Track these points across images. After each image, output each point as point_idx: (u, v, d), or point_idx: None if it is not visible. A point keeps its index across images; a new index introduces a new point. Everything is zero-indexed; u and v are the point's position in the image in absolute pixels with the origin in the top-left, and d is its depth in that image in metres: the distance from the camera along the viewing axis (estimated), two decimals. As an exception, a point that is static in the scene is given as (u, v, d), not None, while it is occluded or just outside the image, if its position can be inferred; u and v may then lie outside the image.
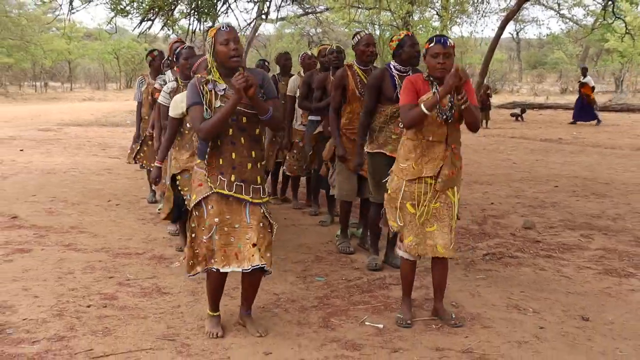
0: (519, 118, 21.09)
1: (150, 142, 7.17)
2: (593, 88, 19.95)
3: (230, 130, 3.74)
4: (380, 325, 4.17)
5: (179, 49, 5.74)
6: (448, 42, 4.05)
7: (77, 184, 8.77)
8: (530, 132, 17.41)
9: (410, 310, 4.30)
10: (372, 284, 5.04)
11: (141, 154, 7.51)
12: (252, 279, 3.96)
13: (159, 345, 3.81)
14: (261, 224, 3.82)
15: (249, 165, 3.81)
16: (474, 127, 4.13)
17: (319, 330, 4.10)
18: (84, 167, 10.26)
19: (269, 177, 8.16)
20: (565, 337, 4.03)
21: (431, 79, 4.11)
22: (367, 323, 4.22)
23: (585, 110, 19.67)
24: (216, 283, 3.96)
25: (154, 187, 7.56)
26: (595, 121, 19.35)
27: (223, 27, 3.73)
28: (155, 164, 5.35)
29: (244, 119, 3.76)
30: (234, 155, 3.76)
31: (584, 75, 20.25)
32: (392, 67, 5.22)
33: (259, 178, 3.87)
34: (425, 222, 4.12)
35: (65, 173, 9.64)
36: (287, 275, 5.22)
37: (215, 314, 4.03)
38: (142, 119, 7.54)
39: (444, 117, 4.04)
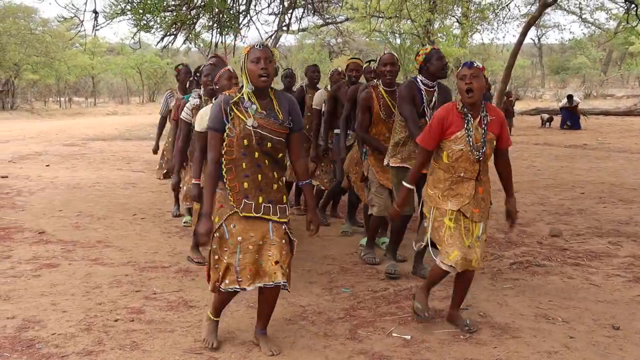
0: (546, 124, 21.00)
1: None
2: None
3: (256, 153, 3.70)
4: (408, 337, 4.15)
5: (201, 66, 5.78)
6: (475, 63, 4.04)
7: (103, 199, 8.84)
8: (554, 138, 17.28)
9: (427, 301, 4.30)
10: (398, 294, 5.01)
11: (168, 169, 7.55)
12: (270, 295, 3.92)
13: (187, 358, 3.82)
14: (283, 241, 3.80)
15: (275, 186, 3.79)
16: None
17: (346, 342, 4.08)
18: (109, 182, 10.35)
19: (293, 188, 8.16)
20: (595, 347, 3.98)
21: (465, 110, 4.06)
22: (394, 334, 4.20)
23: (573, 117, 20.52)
24: (227, 299, 3.98)
25: (183, 203, 7.51)
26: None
27: (257, 46, 3.67)
28: (193, 181, 5.16)
29: (269, 144, 3.72)
30: (260, 178, 3.73)
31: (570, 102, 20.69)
32: (419, 81, 5.22)
33: (284, 197, 3.85)
34: (462, 237, 4.09)
35: (91, 187, 9.73)
36: (312, 287, 5.21)
37: (216, 318, 4.06)
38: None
39: (478, 155, 4.03)
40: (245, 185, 3.72)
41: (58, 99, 39.23)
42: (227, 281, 3.76)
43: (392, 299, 4.90)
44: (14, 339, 4.04)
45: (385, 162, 5.43)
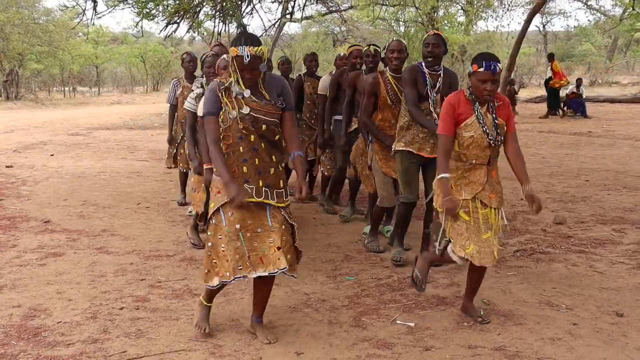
0: (558, 112, 20.93)
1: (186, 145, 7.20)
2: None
3: (252, 136, 3.71)
4: (412, 324, 4.16)
5: (203, 56, 5.79)
6: (498, 68, 3.93)
7: (107, 188, 8.86)
8: (558, 126, 17.22)
9: (427, 274, 4.37)
10: (402, 282, 5.02)
11: (178, 157, 7.56)
12: (265, 283, 3.93)
13: (192, 346, 3.84)
14: (283, 226, 3.79)
15: (272, 170, 3.78)
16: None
17: (350, 329, 4.10)
18: (114, 171, 10.37)
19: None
20: (599, 334, 3.98)
21: (473, 97, 4.03)
22: (398, 322, 4.21)
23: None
24: (219, 289, 3.99)
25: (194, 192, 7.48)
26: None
27: (245, 57, 3.58)
28: (205, 166, 5.03)
29: (264, 127, 3.72)
30: (257, 161, 3.74)
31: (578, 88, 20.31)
32: (422, 64, 5.22)
33: (281, 182, 3.84)
34: (480, 230, 4.04)
35: (95, 177, 9.75)
36: (317, 274, 5.22)
37: (208, 304, 4.06)
38: (178, 122, 7.53)
39: (492, 139, 3.99)
40: (245, 169, 3.73)
41: (62, 88, 39.08)
42: (216, 279, 3.80)
43: (396, 287, 4.91)
44: (20, 327, 4.06)
45: (393, 148, 5.41)
